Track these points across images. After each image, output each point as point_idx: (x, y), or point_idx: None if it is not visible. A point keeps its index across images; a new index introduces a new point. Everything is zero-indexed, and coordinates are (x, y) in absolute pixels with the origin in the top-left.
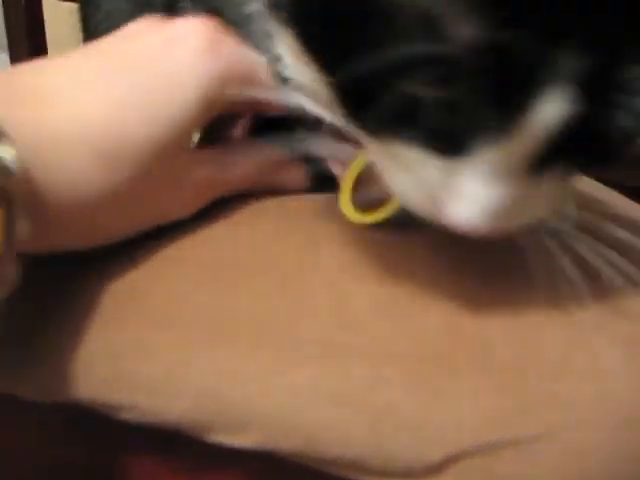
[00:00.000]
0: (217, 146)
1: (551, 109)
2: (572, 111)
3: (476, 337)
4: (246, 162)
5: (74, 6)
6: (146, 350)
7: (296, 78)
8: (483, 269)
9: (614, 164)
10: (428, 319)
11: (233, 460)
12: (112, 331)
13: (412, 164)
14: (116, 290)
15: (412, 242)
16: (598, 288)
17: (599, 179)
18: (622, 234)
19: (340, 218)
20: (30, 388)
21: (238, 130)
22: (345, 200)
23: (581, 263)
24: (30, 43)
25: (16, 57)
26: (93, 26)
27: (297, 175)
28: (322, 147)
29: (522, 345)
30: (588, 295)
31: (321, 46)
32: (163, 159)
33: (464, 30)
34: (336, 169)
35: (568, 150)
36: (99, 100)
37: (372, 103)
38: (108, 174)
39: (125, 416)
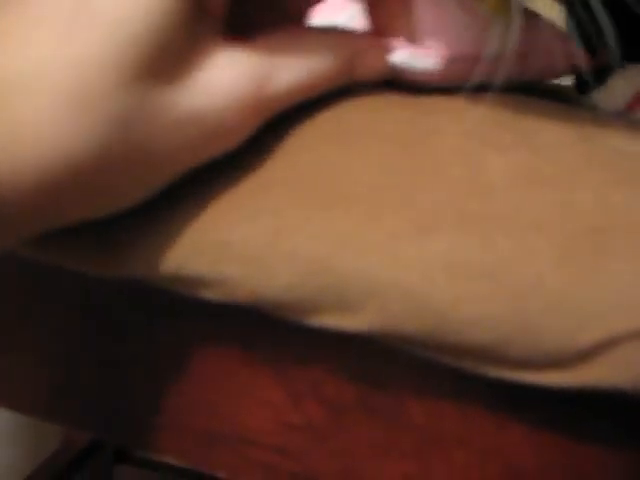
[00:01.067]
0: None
1: None
2: None
3: (633, 215)
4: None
5: None
6: (245, 213)
7: None
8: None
9: None
10: (575, 190)
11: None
12: (202, 194)
13: None
14: None
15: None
16: None
17: None
18: None
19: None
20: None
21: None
22: None
23: None
24: None
25: None
26: None
27: (378, 59)
28: None
29: None
30: None
31: None
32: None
33: None
34: None
35: None
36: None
37: None
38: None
39: (211, 295)
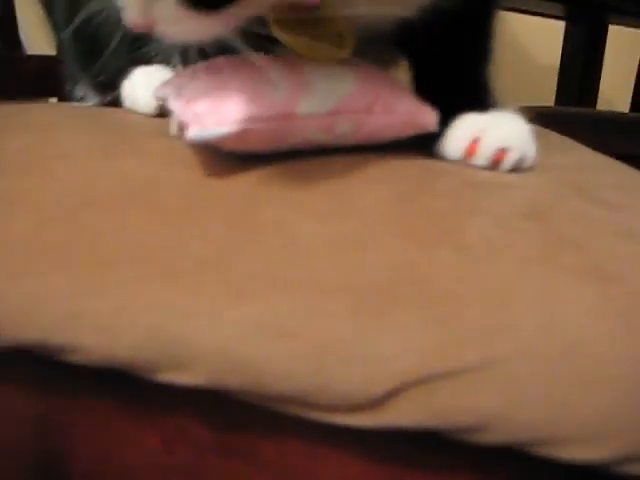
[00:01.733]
0: None
1: None
2: None
3: (419, 270)
4: None
5: None
6: (92, 288)
7: None
8: (427, 205)
9: None
10: (372, 254)
11: (184, 400)
12: (58, 270)
13: None
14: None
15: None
16: (545, 220)
17: None
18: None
19: None
20: None
21: None
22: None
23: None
24: None
25: None
26: None
27: None
28: None
29: (465, 277)
30: (534, 228)
31: None
32: None
33: None
34: None
35: None
36: None
37: None
38: None
39: (72, 358)
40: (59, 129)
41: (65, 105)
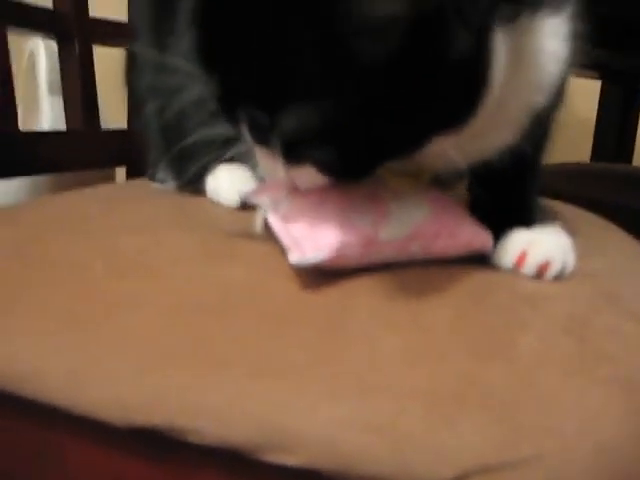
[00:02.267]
0: None
1: None
2: None
3: (478, 379)
4: None
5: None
6: (209, 383)
7: None
8: (483, 320)
9: None
10: (440, 365)
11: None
12: (181, 367)
13: None
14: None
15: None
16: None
17: None
18: None
19: None
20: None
21: None
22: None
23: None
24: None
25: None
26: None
27: None
28: None
29: (516, 386)
30: (572, 343)
31: None
32: None
33: None
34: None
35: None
36: None
37: None
38: None
39: (191, 439)
40: (167, 230)
41: (158, 195)
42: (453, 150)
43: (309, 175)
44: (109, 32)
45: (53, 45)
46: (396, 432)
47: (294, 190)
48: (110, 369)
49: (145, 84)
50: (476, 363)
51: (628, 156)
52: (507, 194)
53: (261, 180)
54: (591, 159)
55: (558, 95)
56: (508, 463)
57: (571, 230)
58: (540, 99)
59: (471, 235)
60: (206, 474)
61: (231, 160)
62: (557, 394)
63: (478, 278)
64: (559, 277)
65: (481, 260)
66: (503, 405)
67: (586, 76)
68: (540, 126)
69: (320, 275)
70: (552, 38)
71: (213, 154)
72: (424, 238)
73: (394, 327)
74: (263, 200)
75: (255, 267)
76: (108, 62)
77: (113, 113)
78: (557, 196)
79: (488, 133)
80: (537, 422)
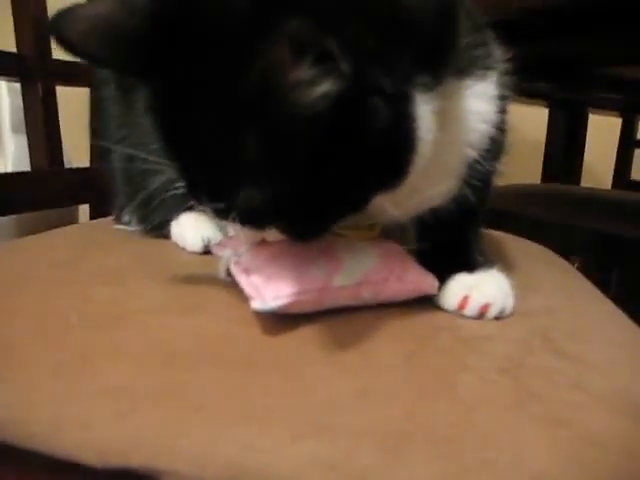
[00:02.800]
0: None
1: None
2: None
3: (425, 419)
4: None
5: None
6: (184, 427)
7: None
8: (427, 362)
9: None
10: (390, 406)
11: None
12: (156, 412)
13: None
14: (153, 378)
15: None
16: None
17: None
18: None
19: None
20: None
21: None
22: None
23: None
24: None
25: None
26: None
27: None
28: None
29: (457, 423)
30: (508, 382)
31: None
32: None
33: None
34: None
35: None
36: None
37: None
38: None
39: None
40: (136, 280)
41: (124, 240)
42: (391, 205)
43: (273, 233)
44: (72, 73)
45: (15, 84)
46: (351, 469)
47: (254, 244)
48: (87, 415)
49: (111, 135)
50: (422, 403)
51: (576, 177)
52: (451, 241)
53: (222, 227)
54: (541, 180)
55: (495, 147)
56: None
57: (513, 267)
58: (472, 153)
59: (417, 280)
60: None
61: (193, 208)
62: (493, 430)
63: (424, 321)
64: (499, 317)
65: (427, 300)
66: (446, 442)
67: (535, 104)
68: (478, 177)
69: (280, 322)
70: (478, 100)
71: (177, 203)
72: (374, 284)
73: (347, 370)
74: (226, 252)
75: (221, 316)
76: (69, 101)
77: (75, 151)
78: (507, 216)
79: (425, 187)
80: (476, 456)
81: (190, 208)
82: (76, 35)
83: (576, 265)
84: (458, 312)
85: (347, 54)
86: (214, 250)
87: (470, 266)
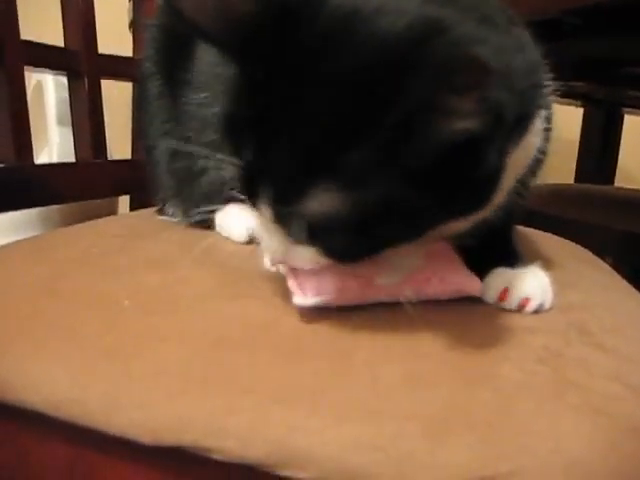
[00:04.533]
0: None
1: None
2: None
3: (467, 405)
4: None
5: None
6: (233, 408)
7: None
8: (471, 351)
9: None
10: (434, 391)
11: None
12: (207, 394)
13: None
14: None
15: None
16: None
17: None
18: None
19: None
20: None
21: None
22: None
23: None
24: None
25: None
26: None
27: None
28: None
29: (498, 410)
30: (547, 371)
31: None
32: None
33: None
34: None
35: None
36: None
37: None
38: None
39: (216, 456)
40: (186, 267)
41: (169, 230)
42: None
43: (305, 256)
44: (116, 67)
45: (60, 77)
46: (396, 451)
47: None
48: (142, 395)
49: (156, 129)
50: (464, 390)
51: (610, 177)
52: (492, 238)
53: None
54: (575, 180)
55: (537, 166)
56: (489, 478)
57: (550, 264)
58: (523, 170)
59: (461, 281)
60: None
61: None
62: (533, 418)
63: (465, 311)
64: (538, 311)
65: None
66: (486, 427)
67: (570, 104)
68: (522, 190)
69: (326, 311)
70: (534, 135)
71: (221, 195)
72: (416, 284)
73: (393, 356)
74: None
75: (269, 303)
76: (113, 95)
77: (118, 143)
78: (541, 216)
79: None
80: (515, 442)
81: (233, 200)
82: (190, 6)
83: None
84: (499, 304)
85: (501, 105)
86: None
87: (510, 261)
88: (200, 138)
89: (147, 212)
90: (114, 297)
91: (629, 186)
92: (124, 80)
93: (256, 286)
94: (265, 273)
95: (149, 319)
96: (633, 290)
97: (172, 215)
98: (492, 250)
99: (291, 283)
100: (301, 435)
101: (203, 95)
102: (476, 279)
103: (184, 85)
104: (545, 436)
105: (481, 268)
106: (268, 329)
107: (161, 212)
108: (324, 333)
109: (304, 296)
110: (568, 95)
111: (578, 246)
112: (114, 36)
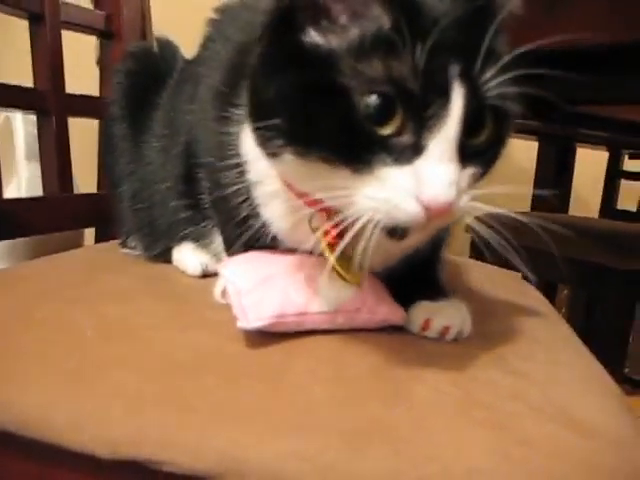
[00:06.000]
0: None
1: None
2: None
3: (386, 421)
4: None
5: None
6: (181, 425)
7: None
8: (391, 375)
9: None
10: (357, 409)
11: None
12: (160, 413)
13: (386, 181)
14: (158, 385)
15: (346, 350)
16: (465, 386)
17: None
18: None
19: None
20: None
21: None
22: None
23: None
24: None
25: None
26: None
27: None
28: None
29: (413, 426)
30: (458, 392)
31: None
32: None
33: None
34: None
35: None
36: None
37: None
38: None
39: (167, 469)
40: (144, 299)
41: (131, 264)
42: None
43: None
44: (84, 106)
45: (29, 115)
46: (321, 462)
47: (249, 267)
48: (102, 414)
49: (120, 169)
50: (383, 408)
51: (564, 207)
52: (420, 272)
53: (217, 255)
54: (531, 209)
55: None
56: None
57: (478, 294)
58: None
59: (388, 312)
60: None
61: (192, 238)
62: (440, 431)
63: (391, 339)
64: (457, 339)
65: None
66: (400, 441)
67: (526, 139)
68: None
69: (266, 338)
70: None
71: (178, 232)
72: (347, 313)
73: (322, 379)
74: (225, 272)
75: (216, 332)
76: (80, 130)
77: (84, 177)
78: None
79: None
80: (423, 452)
81: (187, 238)
82: None
83: (565, 293)
84: (422, 333)
85: None
86: (220, 270)
87: (433, 293)
88: (159, 182)
89: (110, 245)
90: (78, 326)
91: (582, 214)
92: (91, 117)
93: (206, 317)
94: (215, 304)
95: (109, 346)
96: (558, 317)
97: (134, 248)
98: (417, 283)
99: (236, 309)
100: (241, 448)
101: (162, 142)
102: (401, 310)
103: (147, 130)
104: (449, 446)
105: (407, 299)
106: (213, 355)
107: (124, 245)
108: (263, 359)
109: (247, 320)
110: (523, 131)
111: (513, 275)
112: (81, 75)
